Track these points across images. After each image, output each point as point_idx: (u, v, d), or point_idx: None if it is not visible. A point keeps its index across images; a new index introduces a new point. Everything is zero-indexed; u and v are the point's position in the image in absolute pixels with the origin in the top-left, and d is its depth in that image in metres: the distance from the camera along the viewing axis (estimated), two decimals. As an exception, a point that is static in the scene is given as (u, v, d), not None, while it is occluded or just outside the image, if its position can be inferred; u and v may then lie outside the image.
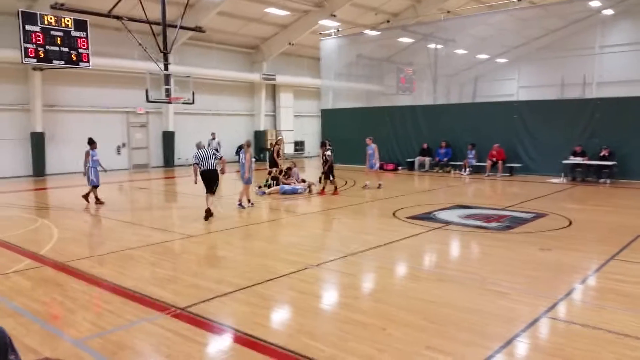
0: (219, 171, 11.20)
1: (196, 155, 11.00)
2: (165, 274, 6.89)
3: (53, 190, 16.73)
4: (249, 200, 12.33)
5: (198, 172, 11.01)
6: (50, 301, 5.83)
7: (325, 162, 14.44)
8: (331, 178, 14.46)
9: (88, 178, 12.84)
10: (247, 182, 12.28)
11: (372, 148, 15.87)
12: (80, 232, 9.65)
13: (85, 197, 12.90)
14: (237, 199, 12.28)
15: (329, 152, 14.50)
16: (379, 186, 15.56)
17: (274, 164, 15.52)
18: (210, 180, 11.02)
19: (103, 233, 9.61)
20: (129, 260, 7.53)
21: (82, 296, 5.98)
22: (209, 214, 10.71)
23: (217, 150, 11.96)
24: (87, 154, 12.86)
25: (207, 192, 11.04)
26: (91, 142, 13.01)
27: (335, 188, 14.64)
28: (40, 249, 8.18)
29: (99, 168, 12.96)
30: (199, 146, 11.28)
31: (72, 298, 5.89)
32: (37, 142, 19.93)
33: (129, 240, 8.80)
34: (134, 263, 7.37)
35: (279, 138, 17.96)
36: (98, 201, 12.87)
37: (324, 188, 14.69)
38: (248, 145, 12.70)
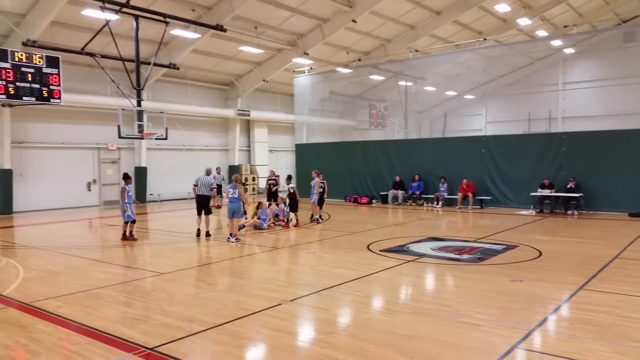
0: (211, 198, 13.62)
1: (197, 178, 13.41)
2: (135, 313, 6.71)
3: (20, 228, 16.24)
4: (234, 235, 12.32)
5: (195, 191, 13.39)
6: (13, 344, 5.60)
7: (290, 195, 15.02)
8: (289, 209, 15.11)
9: (124, 214, 12.54)
10: (241, 215, 12.81)
11: (314, 182, 15.89)
12: (47, 271, 9.35)
13: (128, 236, 12.60)
14: (231, 233, 12.32)
15: (292, 185, 15.15)
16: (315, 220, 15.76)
17: (272, 196, 16.45)
18: (201, 203, 13.16)
19: (71, 272, 9.32)
20: (98, 299, 7.31)
21: (48, 338, 5.76)
22: (199, 233, 12.88)
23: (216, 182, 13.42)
24: (124, 189, 12.53)
25: (198, 214, 13.11)
26: (126, 178, 12.74)
27: (288, 220, 15.04)
28: (4, 290, 7.88)
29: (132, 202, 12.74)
30: (207, 172, 13.75)
31: (37, 340, 5.66)
32: (5, 179, 19.44)
33: (98, 279, 8.57)
34: (102, 302, 7.16)
35: (271, 171, 18.44)
36: (130, 236, 12.60)
37: (297, 221, 14.88)
38: (237, 180, 12.73)
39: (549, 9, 26.63)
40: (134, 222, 12.73)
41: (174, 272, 9.15)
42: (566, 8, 27.68)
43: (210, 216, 13.42)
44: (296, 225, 14.68)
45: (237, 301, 7.18)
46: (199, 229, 13.04)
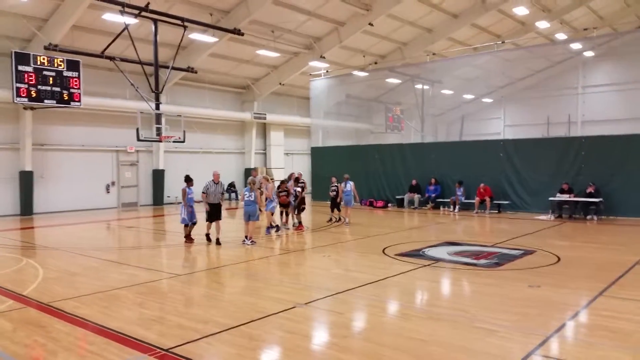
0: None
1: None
2: (150, 314, 6.77)
3: (40, 229, 16.52)
4: (250, 237, 12.38)
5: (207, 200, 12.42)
6: (32, 343, 5.69)
7: (295, 197, 14.87)
8: (296, 212, 15.02)
9: (189, 214, 12.47)
10: (257, 218, 12.64)
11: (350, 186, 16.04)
12: (65, 272, 9.49)
13: (188, 238, 12.57)
14: (247, 236, 12.33)
15: (299, 188, 14.98)
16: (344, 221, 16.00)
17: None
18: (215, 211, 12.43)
19: (89, 273, 9.45)
20: (115, 300, 7.40)
21: (65, 337, 5.84)
22: (209, 239, 12.36)
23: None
24: (184, 191, 12.45)
25: (207, 221, 12.40)
26: (188, 180, 12.56)
27: (300, 223, 15.02)
28: (24, 290, 8.02)
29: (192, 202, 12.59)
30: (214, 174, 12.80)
31: (55, 339, 5.75)
32: (26, 180, 19.80)
33: (115, 280, 8.66)
34: (119, 303, 7.24)
35: (299, 173, 18.12)
36: (188, 239, 12.56)
37: (300, 223, 14.98)
38: (254, 183, 12.69)
39: (568, 12, 26.28)
40: (194, 224, 12.57)
41: (190, 274, 9.21)
42: (586, 11, 27.27)
43: (220, 222, 12.57)
44: (299, 228, 14.77)
45: (252, 303, 7.20)
46: (207, 234, 12.53)
